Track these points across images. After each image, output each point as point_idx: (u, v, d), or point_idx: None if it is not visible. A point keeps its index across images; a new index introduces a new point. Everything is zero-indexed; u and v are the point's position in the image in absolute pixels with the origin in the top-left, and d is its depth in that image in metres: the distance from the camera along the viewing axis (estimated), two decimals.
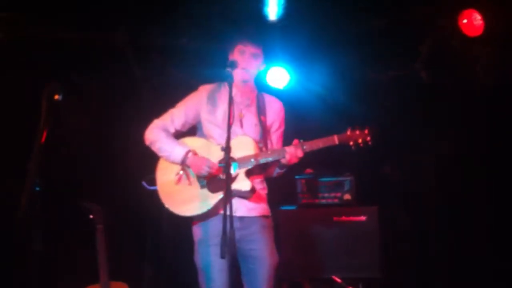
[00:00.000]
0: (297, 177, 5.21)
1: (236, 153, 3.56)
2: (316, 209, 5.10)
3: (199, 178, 3.67)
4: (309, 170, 5.27)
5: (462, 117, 5.28)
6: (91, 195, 4.75)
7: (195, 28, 5.11)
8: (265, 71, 5.47)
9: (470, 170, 5.27)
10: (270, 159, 3.65)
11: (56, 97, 3.39)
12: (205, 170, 3.61)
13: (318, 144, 3.66)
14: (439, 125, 5.41)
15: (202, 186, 3.66)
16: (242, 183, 3.61)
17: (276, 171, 3.83)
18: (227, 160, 3.20)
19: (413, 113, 5.46)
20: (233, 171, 3.61)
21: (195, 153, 3.69)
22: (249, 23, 3.78)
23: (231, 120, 3.30)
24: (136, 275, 5.29)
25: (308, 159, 5.21)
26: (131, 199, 4.99)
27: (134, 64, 5.35)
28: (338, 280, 4.89)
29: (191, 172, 3.69)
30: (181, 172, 3.71)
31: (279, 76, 5.54)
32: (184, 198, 3.68)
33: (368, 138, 3.69)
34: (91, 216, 4.44)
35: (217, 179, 3.64)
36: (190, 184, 3.69)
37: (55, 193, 4.61)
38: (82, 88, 5.11)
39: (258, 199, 3.73)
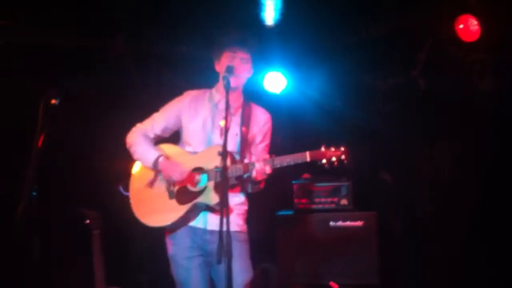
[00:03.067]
0: (294, 182, 5.22)
1: (208, 163, 3.48)
2: (313, 214, 5.10)
3: (168, 184, 3.59)
4: (306, 175, 5.27)
5: (460, 123, 5.28)
6: (88, 201, 4.74)
7: (193, 35, 5.12)
8: (262, 76, 5.49)
9: (468, 175, 5.27)
10: (239, 173, 3.47)
11: (53, 101, 3.39)
12: (175, 176, 3.52)
13: (288, 160, 3.45)
14: (437, 131, 5.42)
15: (170, 197, 3.58)
16: (208, 196, 3.46)
17: (250, 187, 3.66)
18: (225, 165, 3.14)
19: (411, 119, 5.47)
20: (202, 184, 3.53)
21: (167, 157, 3.61)
22: (236, 28, 3.65)
23: (227, 125, 3.27)
24: (133, 280, 5.28)
25: (305, 164, 5.26)
26: (127, 204, 4.98)
27: (132, 70, 5.36)
28: (336, 285, 4.88)
29: (162, 180, 3.62)
30: (153, 180, 3.66)
31: (276, 81, 5.55)
32: (151, 208, 3.61)
33: (344, 157, 3.45)
34: (87, 222, 4.44)
35: (186, 190, 3.55)
36: (159, 194, 3.61)
37: (52, 199, 4.63)
38: (80, 94, 5.11)
39: (232, 215, 3.57)
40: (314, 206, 5.13)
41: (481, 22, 4.77)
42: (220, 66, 3.65)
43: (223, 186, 3.10)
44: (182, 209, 3.53)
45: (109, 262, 4.51)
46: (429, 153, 5.49)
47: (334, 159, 3.45)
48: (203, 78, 3.90)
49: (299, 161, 3.46)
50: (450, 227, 5.32)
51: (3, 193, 4.30)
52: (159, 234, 5.25)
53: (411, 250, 5.45)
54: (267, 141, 3.80)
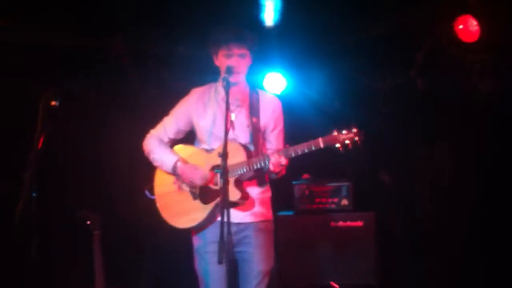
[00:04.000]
0: (294, 182, 5.22)
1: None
2: (314, 214, 5.11)
3: (191, 188, 3.63)
4: (306, 176, 5.28)
5: (460, 123, 5.28)
6: (88, 202, 4.74)
7: (192, 36, 5.11)
8: (262, 76, 5.48)
9: (468, 175, 5.27)
10: (258, 166, 3.49)
11: (53, 103, 3.39)
12: (196, 181, 3.57)
13: (302, 148, 3.43)
14: (437, 131, 5.41)
15: (194, 198, 3.61)
16: (230, 193, 3.37)
17: (272, 176, 3.68)
18: (224, 166, 3.15)
19: (411, 120, 5.46)
20: (220, 181, 3.48)
21: (184, 161, 3.64)
22: (232, 25, 3.65)
23: (228, 126, 3.25)
24: (133, 281, 5.28)
25: (305, 165, 5.26)
26: (128, 206, 4.99)
27: (131, 71, 5.36)
28: (336, 286, 4.88)
29: (183, 183, 3.65)
30: (175, 183, 3.68)
31: (276, 82, 5.54)
32: (178, 210, 3.64)
33: (357, 138, 3.40)
34: (88, 223, 4.43)
35: (208, 190, 3.58)
36: (183, 196, 3.65)
37: (52, 200, 4.63)
38: (80, 95, 5.10)
39: (254, 205, 3.61)
40: (315, 207, 5.13)
41: (481, 22, 4.77)
42: (219, 62, 3.64)
43: (223, 188, 3.11)
44: (207, 209, 3.56)
45: (110, 262, 4.51)
46: (429, 153, 5.49)
47: (347, 142, 3.41)
48: (202, 78, 3.89)
49: (313, 148, 3.43)
50: (450, 227, 5.31)
51: (3, 193, 4.30)
52: (161, 235, 5.30)
53: (411, 250, 5.45)
54: (280, 127, 3.78)
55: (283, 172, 3.66)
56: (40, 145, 3.34)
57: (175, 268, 5.29)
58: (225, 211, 3.08)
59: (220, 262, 3.04)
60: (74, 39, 5.09)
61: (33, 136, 3.32)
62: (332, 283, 4.89)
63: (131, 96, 5.38)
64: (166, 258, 5.43)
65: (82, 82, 5.09)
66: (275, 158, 3.45)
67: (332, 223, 5.02)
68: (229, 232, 3.03)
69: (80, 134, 5.16)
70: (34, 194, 3.32)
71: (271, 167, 3.47)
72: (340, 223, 5.01)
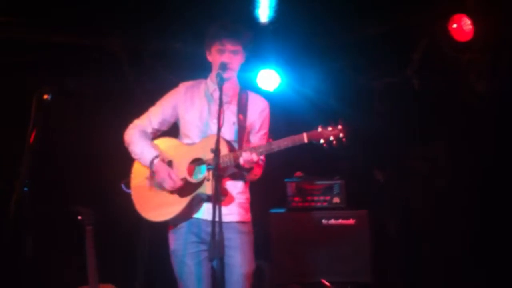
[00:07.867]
0: (287, 180, 5.22)
1: (206, 153, 3.43)
2: (306, 212, 5.10)
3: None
4: (299, 173, 5.28)
5: (454, 123, 5.28)
6: (81, 197, 4.74)
7: (188, 32, 5.12)
8: (256, 73, 5.48)
9: (464, 175, 5.27)
10: (231, 163, 3.43)
11: (45, 96, 3.39)
12: (167, 185, 3.51)
13: (286, 143, 3.39)
14: (432, 131, 5.41)
15: (171, 191, 3.57)
16: (208, 187, 3.41)
17: (244, 174, 3.60)
18: (217, 162, 3.13)
19: (405, 119, 5.46)
20: (200, 175, 3.51)
21: (162, 159, 3.59)
22: (226, 20, 3.62)
23: (220, 123, 3.20)
24: (125, 277, 5.28)
25: (298, 163, 5.26)
26: (121, 201, 4.97)
27: (127, 68, 5.35)
28: (328, 284, 4.89)
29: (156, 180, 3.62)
30: (151, 177, 3.64)
31: (270, 78, 5.54)
32: (154, 203, 3.59)
33: (342, 135, 3.34)
34: (79, 218, 4.42)
35: (186, 183, 3.52)
36: (160, 189, 3.60)
37: (45, 195, 4.62)
38: (75, 91, 5.10)
39: (233, 204, 3.58)
40: (307, 204, 5.13)
41: (477, 22, 4.77)
42: (212, 58, 3.63)
43: (216, 185, 3.07)
44: (183, 202, 3.51)
45: (102, 258, 4.50)
46: (424, 152, 5.49)
47: (331, 138, 3.36)
48: (197, 74, 3.88)
49: (297, 143, 3.40)
50: (445, 226, 5.32)
51: (3, 193, 4.31)
52: (155, 231, 5.30)
53: (406, 248, 5.46)
54: (265, 129, 3.74)
55: (257, 172, 3.62)
56: (32, 140, 3.34)
57: (169, 265, 5.28)
58: (217, 209, 3.02)
59: (211, 260, 3.03)
60: (72, 37, 5.09)
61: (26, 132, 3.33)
62: (323, 280, 4.89)
63: (126, 92, 5.38)
64: (160, 255, 5.42)
65: (77, 79, 5.09)
66: (247, 155, 3.39)
67: (324, 221, 5.03)
68: (220, 231, 2.98)
69: (75, 129, 5.16)
70: (26, 189, 3.32)
71: (241, 162, 3.40)
72: (332, 221, 5.02)
